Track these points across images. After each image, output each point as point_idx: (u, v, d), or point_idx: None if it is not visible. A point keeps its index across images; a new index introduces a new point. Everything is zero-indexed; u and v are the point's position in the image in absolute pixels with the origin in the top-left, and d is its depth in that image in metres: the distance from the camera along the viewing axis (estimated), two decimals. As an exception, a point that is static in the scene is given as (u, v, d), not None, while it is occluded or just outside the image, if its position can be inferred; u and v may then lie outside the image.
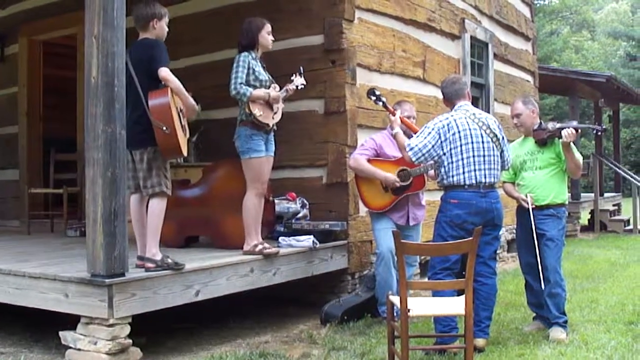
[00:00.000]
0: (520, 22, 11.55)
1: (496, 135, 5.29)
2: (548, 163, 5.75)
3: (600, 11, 47.02)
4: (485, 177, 5.17)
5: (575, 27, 43.91)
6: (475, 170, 5.15)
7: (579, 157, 5.77)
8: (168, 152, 4.91)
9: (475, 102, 7.17)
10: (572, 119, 14.95)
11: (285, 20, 7.07)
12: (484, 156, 5.19)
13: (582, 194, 15.69)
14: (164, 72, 4.83)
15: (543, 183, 5.73)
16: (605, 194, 17.50)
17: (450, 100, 5.48)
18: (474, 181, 5.14)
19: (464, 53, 9.33)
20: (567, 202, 5.89)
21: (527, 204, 5.70)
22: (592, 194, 15.97)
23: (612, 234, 15.00)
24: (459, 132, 5.18)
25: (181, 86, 4.94)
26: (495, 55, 10.33)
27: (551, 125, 5.71)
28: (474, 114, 5.32)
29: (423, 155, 5.21)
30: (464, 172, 5.15)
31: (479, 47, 9.93)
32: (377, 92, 6.25)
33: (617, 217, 16.59)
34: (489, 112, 9.46)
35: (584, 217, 16.03)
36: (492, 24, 10.39)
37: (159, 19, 5.04)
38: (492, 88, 10.14)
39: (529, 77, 11.94)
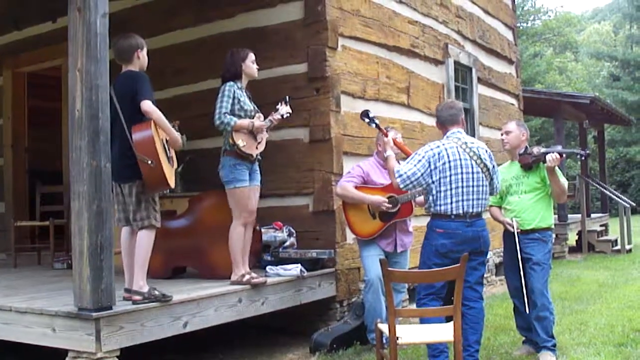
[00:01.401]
0: (503, 45, 11.66)
1: (486, 166, 5.21)
2: (533, 187, 5.78)
3: (582, 32, 47.57)
4: (472, 208, 5.11)
5: (559, 48, 44.34)
6: (463, 200, 5.09)
7: (564, 181, 5.79)
8: (154, 186, 4.85)
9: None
10: (558, 140, 15.16)
11: (269, 49, 7.10)
12: (472, 186, 5.12)
13: (569, 215, 15.72)
14: (146, 105, 4.78)
15: (528, 207, 5.75)
16: (592, 215, 17.51)
17: (443, 124, 5.40)
18: (461, 211, 5.08)
19: (447, 78, 9.39)
20: (553, 226, 5.90)
21: (513, 228, 5.73)
22: (579, 215, 15.95)
23: (600, 255, 15.02)
24: (449, 161, 5.11)
25: (163, 118, 4.89)
26: (479, 80, 10.41)
27: (536, 150, 5.76)
28: (465, 142, 5.22)
29: (411, 182, 5.12)
30: (451, 202, 5.08)
31: (462, 72, 10.00)
32: (371, 114, 6.12)
33: (604, 238, 16.59)
34: (474, 135, 9.51)
35: (572, 238, 16.04)
36: (475, 49, 10.47)
37: (141, 48, 5.03)
38: (476, 112, 10.21)
39: (513, 100, 12.03)
